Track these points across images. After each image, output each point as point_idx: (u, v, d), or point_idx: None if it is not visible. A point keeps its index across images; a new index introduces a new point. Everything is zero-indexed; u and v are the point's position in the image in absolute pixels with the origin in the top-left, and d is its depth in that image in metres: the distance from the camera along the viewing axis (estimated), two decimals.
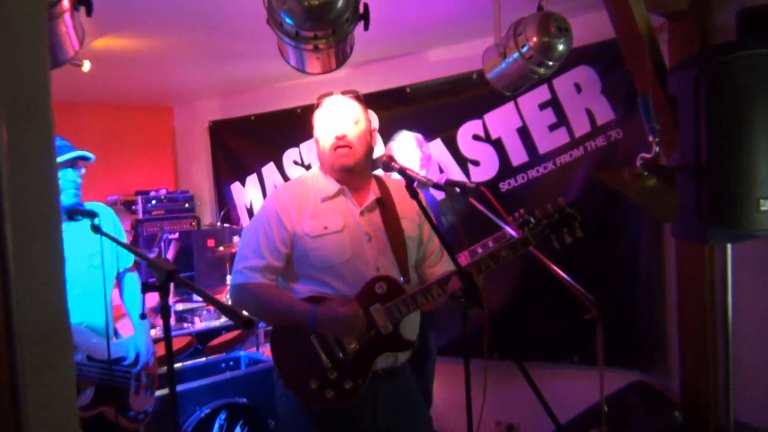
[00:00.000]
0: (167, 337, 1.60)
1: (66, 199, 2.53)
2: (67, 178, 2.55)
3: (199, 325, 4.11)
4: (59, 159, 2.51)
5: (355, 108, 2.27)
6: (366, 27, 2.11)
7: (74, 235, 2.61)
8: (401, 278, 2.24)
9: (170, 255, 4.73)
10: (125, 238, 2.94)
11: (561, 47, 2.64)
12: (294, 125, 4.78)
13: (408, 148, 3.59)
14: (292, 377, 2.17)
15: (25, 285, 1.07)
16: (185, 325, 3.91)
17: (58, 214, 1.15)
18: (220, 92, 5.45)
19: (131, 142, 5.65)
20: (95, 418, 2.53)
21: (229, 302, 2.67)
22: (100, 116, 5.47)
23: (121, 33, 3.61)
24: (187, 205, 5.52)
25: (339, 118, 2.23)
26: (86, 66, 3.42)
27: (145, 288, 1.65)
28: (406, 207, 2.32)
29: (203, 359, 3.76)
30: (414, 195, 2.10)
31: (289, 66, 2.27)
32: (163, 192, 5.41)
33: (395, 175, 2.26)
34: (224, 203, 5.42)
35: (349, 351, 2.14)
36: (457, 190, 2.23)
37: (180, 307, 4.44)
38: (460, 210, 3.69)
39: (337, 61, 2.17)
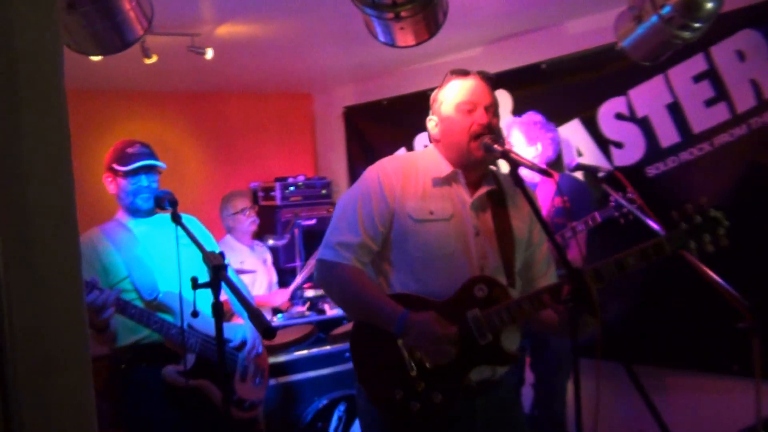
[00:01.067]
0: (219, 340, 1.48)
1: (142, 203, 2.63)
2: (140, 183, 2.62)
3: (329, 312, 4.09)
4: (134, 165, 2.59)
5: (493, 94, 2.04)
6: None
7: (158, 223, 2.71)
8: (506, 282, 1.98)
9: (300, 243, 4.77)
10: (214, 244, 2.94)
11: (709, 5, 2.22)
12: (426, 108, 4.57)
13: (525, 132, 3.32)
14: (374, 384, 1.99)
15: (23, 278, 1.00)
16: (307, 313, 3.89)
17: (71, 206, 1.07)
18: (356, 77, 5.40)
19: (272, 129, 5.78)
20: (200, 397, 2.53)
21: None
22: (242, 105, 5.64)
23: (257, 19, 3.61)
24: (324, 191, 5.54)
25: (482, 102, 1.98)
26: (209, 54, 3.47)
27: (194, 285, 1.56)
28: (518, 205, 2.07)
29: (327, 348, 3.72)
30: (519, 182, 1.84)
31: (381, 43, 2.09)
32: (301, 178, 5.48)
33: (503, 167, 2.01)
34: None
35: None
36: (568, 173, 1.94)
37: (311, 293, 4.45)
38: (594, 199, 3.34)
39: (428, 30, 1.96)
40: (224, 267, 1.49)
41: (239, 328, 2.71)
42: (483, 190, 2.03)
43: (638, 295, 3.53)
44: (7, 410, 0.98)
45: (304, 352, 3.64)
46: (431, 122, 2.09)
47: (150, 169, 2.62)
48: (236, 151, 5.59)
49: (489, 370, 1.98)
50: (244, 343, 2.67)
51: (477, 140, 1.95)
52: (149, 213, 2.68)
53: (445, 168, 2.02)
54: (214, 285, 1.46)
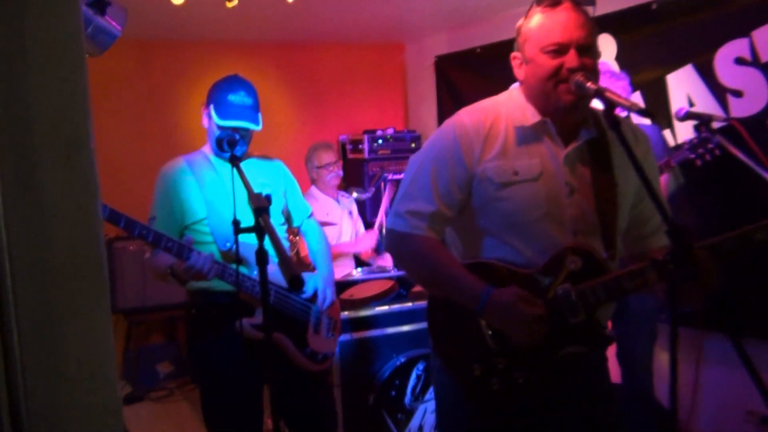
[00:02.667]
0: (264, 289, 1.36)
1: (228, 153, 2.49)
2: (231, 136, 2.45)
3: None
4: (228, 123, 2.43)
5: (592, 27, 1.71)
6: None
7: (249, 167, 2.57)
8: (604, 252, 1.73)
9: (387, 197, 4.65)
10: (296, 189, 2.82)
11: None
12: None
13: None
14: (451, 357, 1.82)
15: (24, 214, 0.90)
16: (389, 268, 3.78)
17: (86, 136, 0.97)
18: (449, 24, 5.14)
19: (363, 81, 5.65)
20: (270, 348, 2.48)
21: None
22: (333, 56, 5.53)
23: None
24: (413, 145, 5.38)
25: (573, 40, 1.67)
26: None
27: (237, 228, 1.44)
28: (622, 153, 1.73)
29: (408, 304, 3.60)
30: (615, 125, 1.59)
31: None
32: (390, 131, 5.34)
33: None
34: None
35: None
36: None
37: None
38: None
39: None
40: (266, 210, 1.35)
41: (311, 278, 2.62)
42: (580, 141, 1.75)
43: (748, 262, 3.16)
44: (9, 356, 0.90)
45: (384, 307, 3.53)
46: (515, 60, 1.82)
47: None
48: (325, 102, 5.51)
49: (578, 350, 1.76)
50: (316, 294, 2.59)
51: (566, 83, 1.67)
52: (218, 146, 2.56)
53: (531, 116, 1.75)
54: (258, 229, 1.33)
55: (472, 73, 4.87)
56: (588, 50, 1.69)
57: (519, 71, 1.81)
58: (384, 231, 4.03)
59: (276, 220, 2.63)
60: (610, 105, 1.60)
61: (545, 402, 1.79)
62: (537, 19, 1.72)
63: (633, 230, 1.83)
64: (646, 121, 3.15)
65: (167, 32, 4.73)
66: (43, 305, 0.92)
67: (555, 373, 1.74)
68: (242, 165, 2.56)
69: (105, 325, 1.00)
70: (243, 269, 2.44)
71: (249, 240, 2.42)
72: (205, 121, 2.55)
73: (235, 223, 1.43)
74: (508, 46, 4.79)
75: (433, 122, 5.42)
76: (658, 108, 3.49)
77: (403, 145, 5.34)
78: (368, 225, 4.97)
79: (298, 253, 3.89)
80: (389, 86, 5.79)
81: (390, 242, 1.88)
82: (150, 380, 4.73)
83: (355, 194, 4.28)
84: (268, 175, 2.67)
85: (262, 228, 1.31)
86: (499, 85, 4.74)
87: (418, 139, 5.39)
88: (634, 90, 3.43)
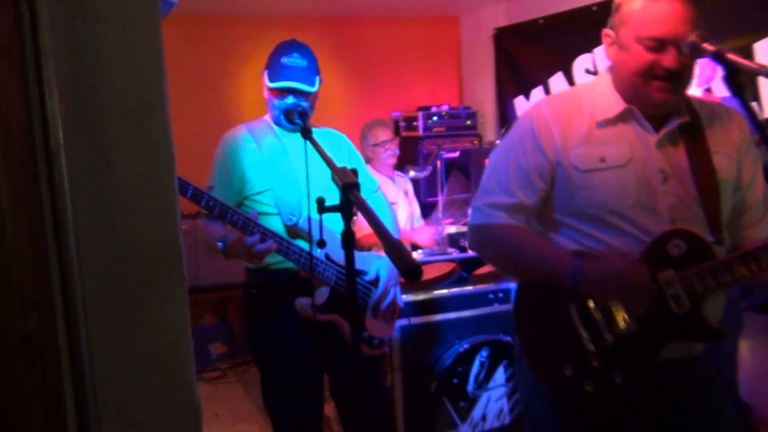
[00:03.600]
0: (349, 274, 1.21)
1: (285, 123, 2.37)
2: (286, 102, 2.33)
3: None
4: (277, 84, 2.30)
5: (696, 22, 1.50)
6: None
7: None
8: (711, 237, 1.56)
9: (442, 175, 4.48)
10: (361, 163, 2.68)
11: None
12: (587, 26, 4.06)
13: None
14: (539, 356, 1.66)
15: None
16: (449, 250, 3.62)
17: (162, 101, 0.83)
18: None
19: (415, 56, 5.46)
20: (328, 330, 2.36)
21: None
22: (385, 30, 5.34)
23: None
24: (469, 122, 5.18)
25: (674, 37, 1.48)
26: None
27: (321, 207, 1.29)
28: (720, 136, 1.61)
29: (470, 288, 3.44)
30: (738, 91, 1.40)
31: None
32: (445, 108, 5.14)
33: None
34: (506, 120, 4.96)
35: (622, 330, 1.56)
36: None
37: (452, 229, 4.17)
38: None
39: None
40: (356, 185, 1.19)
41: (375, 260, 2.48)
42: (673, 125, 1.59)
43: None
44: (76, 350, 0.77)
45: (445, 291, 3.38)
46: (606, 39, 1.64)
47: (299, 90, 2.33)
48: (378, 78, 5.34)
49: (684, 347, 1.60)
50: (378, 279, 2.45)
51: (659, 81, 1.51)
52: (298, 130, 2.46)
53: (616, 104, 1.61)
54: (345, 208, 1.17)
55: (535, 45, 4.63)
56: (689, 49, 1.49)
57: (609, 50, 1.65)
58: (440, 212, 3.86)
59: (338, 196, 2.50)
60: (732, 69, 1.40)
61: (644, 409, 1.63)
62: (640, 2, 1.53)
63: (730, 221, 1.66)
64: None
65: (216, 6, 4.61)
66: (114, 296, 0.79)
67: (656, 377, 1.58)
68: (300, 138, 2.43)
69: (182, 317, 0.87)
70: (303, 244, 2.32)
71: (313, 215, 2.31)
72: (265, 91, 2.43)
73: (320, 201, 1.29)
74: (573, 16, 4.51)
75: (491, 98, 5.21)
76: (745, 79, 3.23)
77: (459, 122, 5.15)
78: (423, 206, 4.82)
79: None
80: (444, 61, 5.58)
81: (473, 238, 1.77)
82: (203, 361, 4.69)
83: (412, 173, 4.11)
84: (331, 147, 2.52)
85: (349, 207, 1.15)
86: (565, 57, 4.52)
87: (473, 116, 5.18)
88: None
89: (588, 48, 4.15)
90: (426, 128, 5.03)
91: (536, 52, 4.63)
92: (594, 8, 4.02)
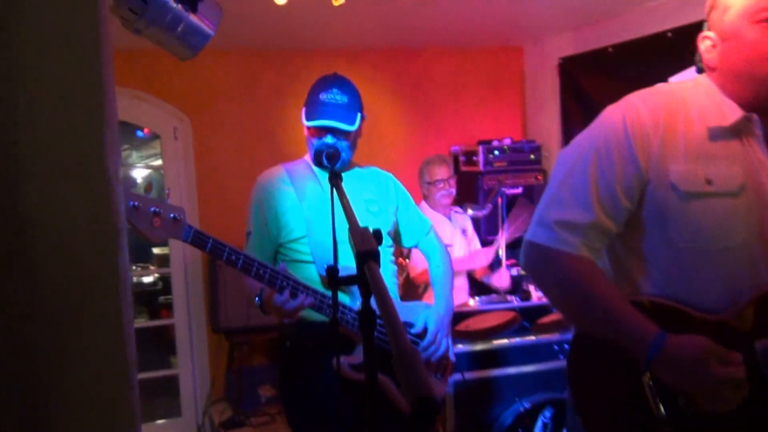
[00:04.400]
0: (368, 355, 0.97)
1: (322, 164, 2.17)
2: (325, 141, 2.14)
3: (535, 297, 3.53)
4: (313, 123, 2.13)
5: None
6: None
7: (352, 180, 2.28)
8: None
9: (503, 212, 4.21)
10: (410, 203, 2.46)
11: None
12: (661, 54, 3.76)
13: None
14: (598, 418, 1.39)
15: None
16: (509, 297, 3.34)
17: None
18: (575, 23, 4.63)
19: (477, 88, 5.24)
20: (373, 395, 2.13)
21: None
22: (444, 61, 5.15)
23: None
24: (532, 156, 4.91)
25: None
26: None
27: (332, 278, 1.06)
28: None
29: (532, 338, 3.15)
30: None
31: None
32: (507, 142, 4.89)
33: None
34: None
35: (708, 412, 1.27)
36: None
37: (514, 271, 3.90)
38: None
39: None
40: (374, 254, 0.96)
41: (423, 310, 2.25)
42: None
43: None
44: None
45: (504, 341, 3.11)
46: (705, 42, 1.40)
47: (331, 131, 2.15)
48: (436, 111, 5.14)
49: None
50: (426, 330, 2.21)
51: None
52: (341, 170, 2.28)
53: (730, 112, 1.34)
54: (360, 280, 0.94)
55: (603, 75, 4.34)
56: None
57: (710, 55, 1.38)
58: (502, 250, 3.60)
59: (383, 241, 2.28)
60: None
61: None
62: None
63: None
64: None
65: (273, 41, 4.54)
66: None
67: None
68: (346, 177, 2.24)
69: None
70: (344, 297, 2.11)
71: (352, 263, 2.10)
72: (304, 129, 2.26)
73: (330, 271, 1.08)
74: (645, 44, 4.11)
75: (556, 131, 4.93)
76: None
77: (522, 156, 4.88)
78: (483, 243, 4.56)
79: (407, 277, 3.53)
80: (506, 93, 5.34)
81: (530, 258, 1.47)
82: (251, 404, 4.52)
83: (470, 211, 3.87)
84: (376, 188, 2.33)
85: (365, 279, 0.92)
86: (636, 88, 4.21)
87: (538, 150, 4.91)
88: None
89: (662, 77, 3.80)
90: (487, 163, 4.78)
91: (605, 82, 4.34)
92: (669, 35, 3.72)
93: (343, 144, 2.15)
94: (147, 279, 6.65)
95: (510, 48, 5.31)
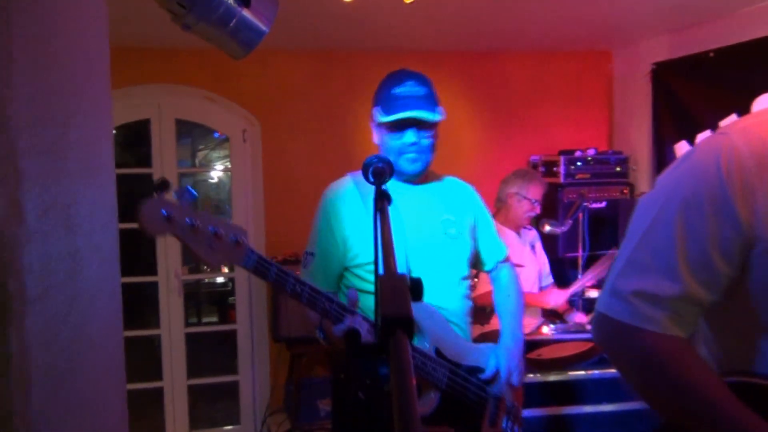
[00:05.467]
0: None
1: (407, 164, 1.97)
2: (405, 140, 1.94)
3: None
4: (394, 117, 1.91)
5: None
6: None
7: (429, 195, 2.05)
8: None
9: (585, 228, 3.89)
10: (489, 223, 2.21)
11: None
12: None
13: None
14: None
15: None
16: (588, 327, 3.03)
17: None
18: (670, 25, 4.24)
19: (560, 94, 4.92)
20: None
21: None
22: (524, 65, 4.86)
23: None
24: (618, 168, 4.55)
25: None
26: None
27: (352, 344, 0.84)
28: None
29: (612, 371, 2.84)
30: None
31: None
32: (591, 152, 4.55)
33: None
34: (664, 168, 4.27)
35: None
36: None
37: (594, 293, 3.58)
38: None
39: None
40: (405, 323, 0.71)
41: (493, 352, 2.01)
42: None
43: None
44: None
45: (581, 373, 2.81)
46: None
47: (421, 121, 1.92)
48: (515, 118, 4.85)
49: None
50: (497, 374, 1.96)
51: None
52: (418, 178, 2.04)
53: None
54: (384, 351, 0.70)
55: (702, 82, 3.95)
56: None
57: None
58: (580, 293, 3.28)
59: (457, 270, 2.04)
60: None
61: None
62: None
63: None
64: None
65: (345, 42, 4.38)
66: None
67: None
68: (421, 192, 2.02)
69: None
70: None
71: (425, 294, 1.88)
72: (374, 137, 2.04)
73: (351, 336, 0.86)
74: (753, 48, 3.64)
75: (646, 142, 4.54)
76: None
77: (607, 168, 4.53)
78: (560, 262, 4.24)
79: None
80: (591, 100, 4.99)
81: (603, 333, 1.20)
82: (310, 417, 4.36)
83: (547, 227, 3.58)
84: (455, 205, 2.09)
85: (388, 350, 0.68)
86: (741, 96, 3.79)
87: (625, 162, 4.54)
88: None
89: None
90: (568, 174, 4.46)
91: (704, 90, 3.94)
92: None
93: (426, 143, 1.94)
94: (219, 279, 6.57)
95: (597, 52, 4.96)
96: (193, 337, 4.54)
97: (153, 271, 4.34)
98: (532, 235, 3.67)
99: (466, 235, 2.06)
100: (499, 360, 1.96)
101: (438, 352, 1.89)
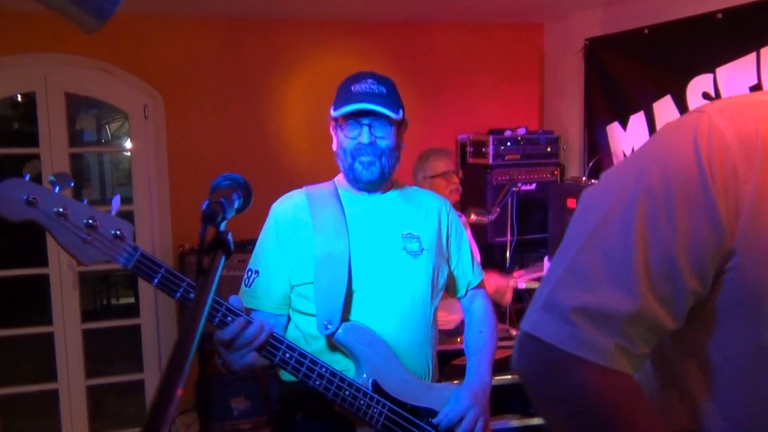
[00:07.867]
0: None
1: (361, 168, 1.72)
2: (360, 139, 1.71)
3: None
4: (346, 109, 1.68)
5: None
6: None
7: (387, 205, 1.80)
8: None
9: (513, 212, 3.67)
10: (464, 240, 1.96)
11: None
12: (710, 39, 3.18)
13: None
14: None
15: None
16: (513, 332, 2.82)
17: None
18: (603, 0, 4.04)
19: (489, 69, 4.66)
20: None
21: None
22: (453, 38, 4.57)
23: None
24: (549, 149, 4.35)
25: None
26: None
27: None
28: None
29: None
30: None
31: None
32: (521, 132, 4.33)
33: None
34: (596, 150, 4.10)
35: None
36: None
37: (523, 284, 3.37)
38: None
39: None
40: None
41: (451, 393, 1.73)
42: None
43: None
44: None
45: None
46: None
47: (378, 117, 1.69)
48: (443, 95, 4.57)
49: None
50: (460, 420, 1.69)
51: None
52: (376, 186, 1.78)
53: None
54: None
55: (637, 61, 3.75)
56: None
57: None
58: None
59: (416, 292, 1.75)
60: None
61: None
62: None
63: None
64: None
65: (259, 9, 3.97)
66: None
67: None
68: (378, 201, 1.79)
69: None
70: (346, 363, 1.65)
71: (366, 317, 1.64)
72: (333, 144, 1.78)
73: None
74: (690, 26, 3.47)
75: (578, 122, 4.35)
76: None
77: (537, 148, 4.32)
78: (489, 248, 4.03)
79: None
80: (523, 76, 4.75)
81: (530, 363, 0.90)
82: (222, 416, 4.06)
83: (473, 216, 3.34)
84: (417, 218, 1.82)
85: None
86: (676, 77, 3.59)
87: (555, 142, 4.34)
88: None
89: (708, 67, 3.25)
90: (497, 155, 4.22)
91: (639, 70, 3.75)
92: (719, 16, 3.13)
93: (383, 144, 1.70)
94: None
95: (529, 25, 4.71)
96: (92, 333, 4.13)
97: (44, 262, 3.89)
98: (462, 221, 3.42)
99: (431, 253, 1.78)
100: (460, 403, 1.69)
101: (377, 386, 1.62)
